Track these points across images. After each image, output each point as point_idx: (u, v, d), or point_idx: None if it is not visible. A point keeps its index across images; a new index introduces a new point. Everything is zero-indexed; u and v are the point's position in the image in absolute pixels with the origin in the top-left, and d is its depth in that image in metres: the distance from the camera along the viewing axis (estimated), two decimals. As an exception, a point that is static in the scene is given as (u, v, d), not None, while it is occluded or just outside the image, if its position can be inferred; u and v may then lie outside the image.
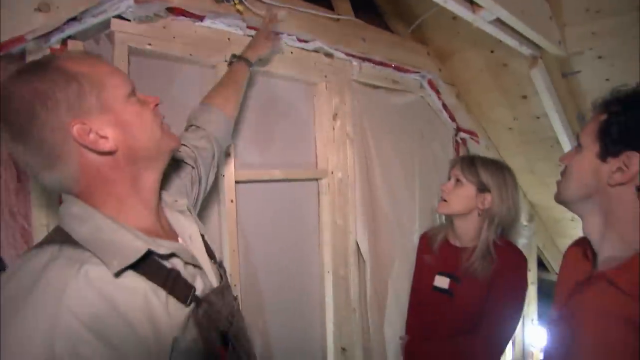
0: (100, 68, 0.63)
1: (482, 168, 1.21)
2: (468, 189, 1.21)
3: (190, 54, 1.17)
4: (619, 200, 0.69)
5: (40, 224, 0.94)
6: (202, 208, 1.24)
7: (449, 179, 1.25)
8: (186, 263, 0.68)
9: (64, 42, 0.92)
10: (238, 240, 1.28)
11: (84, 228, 0.59)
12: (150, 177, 0.69)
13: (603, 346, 0.67)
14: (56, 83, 0.57)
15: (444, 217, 1.44)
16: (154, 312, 0.58)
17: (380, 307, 1.64)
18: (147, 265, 0.60)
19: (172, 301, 0.61)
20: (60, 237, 0.59)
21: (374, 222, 1.63)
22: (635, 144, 0.66)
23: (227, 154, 1.23)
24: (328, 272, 1.53)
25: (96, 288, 0.54)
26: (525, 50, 1.52)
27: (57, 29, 0.88)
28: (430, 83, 1.84)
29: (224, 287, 0.76)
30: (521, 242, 1.29)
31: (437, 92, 1.87)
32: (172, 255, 0.65)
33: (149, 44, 1.08)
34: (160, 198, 0.74)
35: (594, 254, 0.78)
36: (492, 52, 1.73)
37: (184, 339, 0.61)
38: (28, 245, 0.94)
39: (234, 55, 1.17)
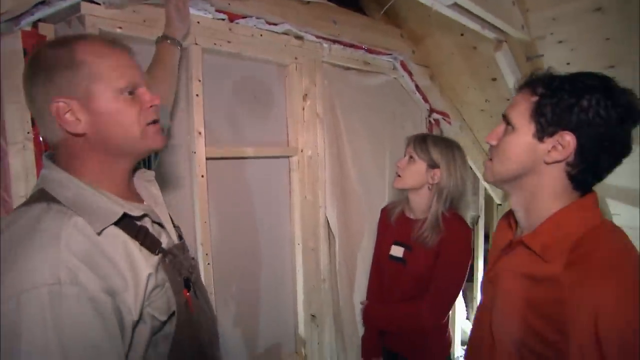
0: (107, 60, 0.69)
1: (433, 146, 1.29)
2: (420, 165, 1.30)
3: (161, 37, 1.22)
4: (550, 176, 0.75)
5: (19, 195, 1.03)
6: (175, 182, 1.33)
7: (405, 156, 1.34)
8: (153, 222, 0.80)
9: (34, 24, 0.98)
10: (209, 213, 1.37)
11: (67, 192, 0.67)
12: (123, 165, 0.76)
13: (517, 300, 0.77)
14: (60, 63, 0.66)
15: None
16: (132, 255, 0.70)
17: (350, 277, 1.75)
18: (123, 223, 0.71)
19: (144, 251, 0.73)
20: (46, 197, 0.67)
21: (343, 198, 1.73)
22: (567, 123, 0.71)
23: (198, 132, 1.31)
24: (298, 244, 1.64)
25: (85, 234, 0.64)
26: (489, 34, 1.57)
27: (27, 12, 0.93)
28: (403, 65, 1.90)
29: (183, 245, 0.87)
30: (470, 215, 1.39)
31: (410, 73, 1.93)
32: (143, 216, 0.77)
33: (119, 27, 1.14)
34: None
35: (517, 224, 0.86)
36: (462, 35, 1.78)
37: (156, 278, 0.73)
38: (10, 215, 1.03)
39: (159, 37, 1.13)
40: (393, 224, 1.41)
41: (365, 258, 1.75)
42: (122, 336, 0.65)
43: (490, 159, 0.83)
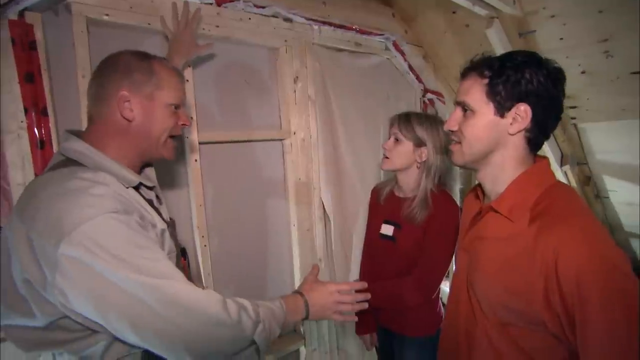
0: (171, 81, 0.88)
1: (418, 124, 1.30)
2: (406, 146, 1.31)
3: (149, 23, 1.24)
4: (514, 145, 0.83)
5: (17, 183, 1.06)
6: (170, 167, 1.36)
7: (389, 137, 1.35)
8: (157, 196, 0.95)
9: (21, 13, 0.99)
10: (205, 197, 1.41)
11: (91, 160, 0.80)
12: (139, 156, 0.90)
13: (492, 262, 0.84)
14: (140, 68, 0.84)
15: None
16: (151, 212, 0.86)
17: (346, 257, 1.79)
18: (138, 191, 0.87)
19: (156, 215, 0.87)
20: (72, 163, 0.79)
21: (337, 180, 1.75)
22: (519, 96, 0.79)
23: (190, 117, 1.33)
24: (293, 225, 1.67)
25: (116, 184, 0.79)
26: (480, 11, 1.56)
27: (13, 1, 0.95)
28: (396, 45, 1.89)
29: (174, 222, 1.01)
30: (457, 188, 1.41)
31: (403, 53, 1.92)
32: (152, 188, 0.93)
33: (106, 15, 1.15)
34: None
35: (484, 195, 0.94)
36: (454, 12, 1.77)
37: (167, 237, 0.87)
38: (9, 203, 1.07)
39: None
40: (383, 203, 1.43)
41: (360, 238, 1.77)
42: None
43: (457, 143, 0.90)
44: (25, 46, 1.02)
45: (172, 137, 0.92)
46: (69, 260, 0.65)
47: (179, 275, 0.74)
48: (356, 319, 1.11)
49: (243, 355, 0.78)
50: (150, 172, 1.01)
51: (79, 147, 0.81)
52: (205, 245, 1.40)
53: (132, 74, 0.83)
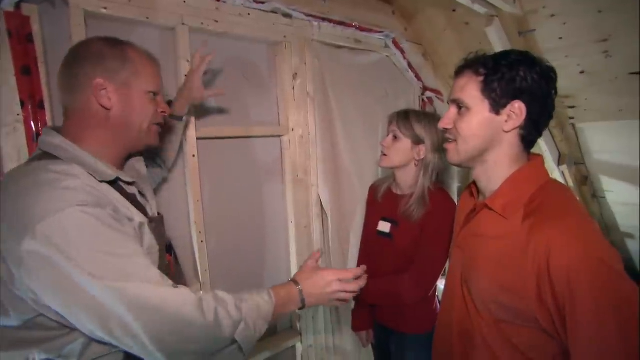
0: (147, 66, 0.87)
1: (416, 122, 1.30)
2: (405, 143, 1.31)
3: (147, 17, 1.23)
4: (509, 143, 0.84)
5: (13, 175, 1.05)
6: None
7: (388, 134, 1.35)
8: (140, 193, 0.92)
9: (17, 5, 0.98)
10: (202, 193, 1.40)
11: (68, 153, 0.77)
12: (122, 147, 0.88)
13: (486, 259, 0.84)
14: (113, 54, 0.82)
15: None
16: (128, 207, 0.82)
17: (344, 254, 1.79)
18: (117, 186, 0.83)
19: (135, 210, 0.84)
20: (48, 156, 0.77)
21: (335, 177, 1.75)
22: (514, 93, 0.80)
23: (188, 112, 1.33)
24: (291, 222, 1.67)
25: (89, 178, 0.76)
26: (480, 9, 1.56)
27: (10, -7, 0.94)
28: (395, 42, 1.89)
29: (162, 219, 0.96)
30: (455, 186, 1.42)
31: (402, 51, 1.92)
32: (133, 183, 0.89)
33: (104, 8, 1.14)
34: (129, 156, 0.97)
35: (479, 192, 0.94)
36: (453, 11, 1.76)
37: (147, 231, 0.84)
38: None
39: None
40: (380, 201, 1.44)
41: (357, 235, 1.78)
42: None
43: (452, 142, 0.90)
44: (22, 38, 1.01)
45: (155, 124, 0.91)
46: (32, 256, 0.63)
47: (151, 273, 0.71)
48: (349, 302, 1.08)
49: (226, 354, 0.75)
50: (138, 164, 0.99)
51: (54, 141, 0.79)
52: (202, 241, 1.40)
53: (106, 61, 0.80)
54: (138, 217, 0.82)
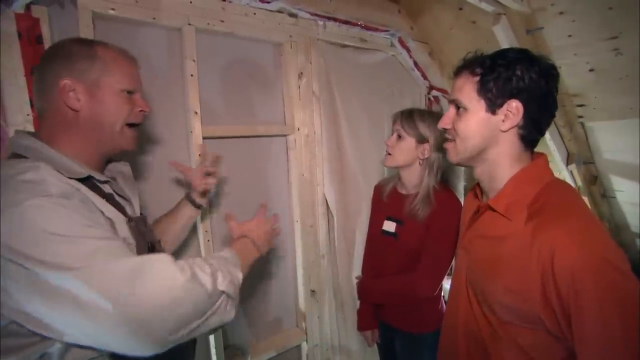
0: (119, 64, 0.83)
1: (420, 121, 1.29)
2: (409, 142, 1.30)
3: (154, 18, 1.24)
4: (507, 142, 0.84)
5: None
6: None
7: (392, 133, 1.35)
8: (118, 195, 0.89)
9: (27, 7, 1.00)
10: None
11: (37, 152, 0.76)
12: (95, 150, 0.85)
13: (490, 261, 0.84)
14: (81, 53, 0.79)
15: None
16: (102, 204, 0.79)
17: (349, 253, 1.79)
18: (91, 184, 0.80)
19: (112, 209, 0.81)
20: (16, 156, 0.75)
21: (341, 176, 1.75)
22: (511, 92, 0.79)
23: (194, 112, 1.34)
24: (297, 221, 1.67)
25: (58, 174, 0.73)
26: (487, 7, 1.55)
27: (19, -5, 0.95)
28: (401, 41, 1.88)
29: (145, 218, 0.94)
30: (461, 185, 1.41)
31: (408, 50, 1.91)
32: (107, 182, 0.86)
33: (112, 9, 1.16)
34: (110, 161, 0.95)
35: (482, 193, 0.94)
36: (460, 9, 1.75)
37: (123, 229, 0.81)
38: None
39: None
40: (385, 200, 1.43)
41: (363, 234, 1.77)
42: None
43: (451, 141, 0.91)
44: (31, 40, 1.02)
45: (131, 125, 0.87)
46: None
47: (120, 250, 0.67)
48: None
49: (221, 308, 0.73)
50: (124, 167, 0.97)
51: (23, 141, 0.77)
52: (208, 240, 1.41)
53: (73, 61, 0.78)
54: (111, 214, 0.79)
